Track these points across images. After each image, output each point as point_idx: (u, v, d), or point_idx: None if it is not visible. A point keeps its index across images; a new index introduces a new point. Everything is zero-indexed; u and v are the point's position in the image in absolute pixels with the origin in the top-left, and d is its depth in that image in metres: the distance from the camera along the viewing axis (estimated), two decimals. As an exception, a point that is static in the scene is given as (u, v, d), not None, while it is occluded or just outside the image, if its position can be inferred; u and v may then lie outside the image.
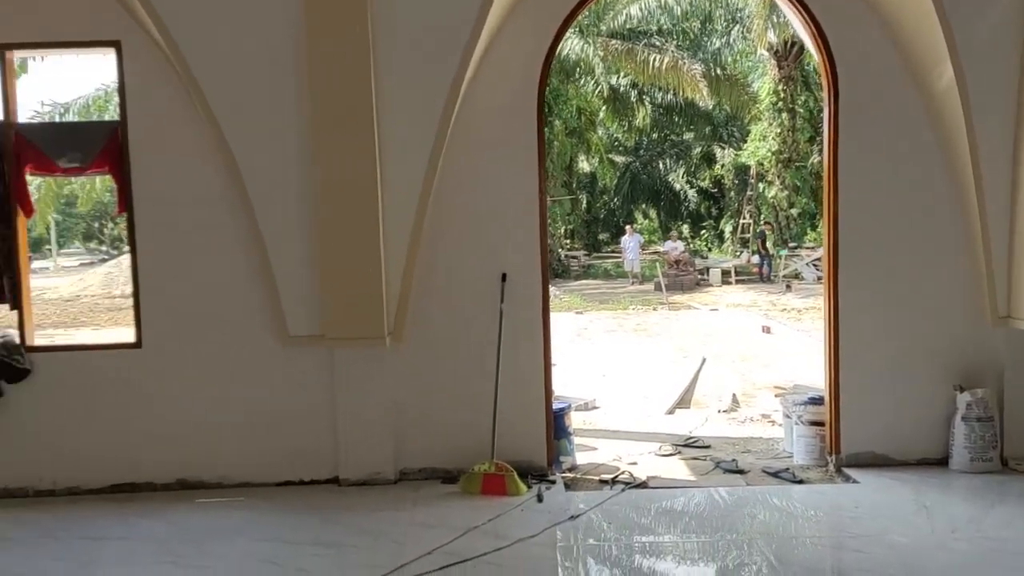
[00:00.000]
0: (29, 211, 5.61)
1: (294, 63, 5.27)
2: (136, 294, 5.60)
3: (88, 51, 5.59)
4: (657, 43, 23.34)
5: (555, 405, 5.95)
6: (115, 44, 5.44)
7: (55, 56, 13.50)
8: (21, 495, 5.54)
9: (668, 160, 35.33)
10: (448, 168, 5.52)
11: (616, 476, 5.72)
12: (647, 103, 28.54)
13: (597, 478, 5.73)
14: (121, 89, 5.51)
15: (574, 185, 30.36)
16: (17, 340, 5.54)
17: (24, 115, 5.37)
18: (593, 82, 24.83)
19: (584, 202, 34.30)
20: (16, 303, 5.53)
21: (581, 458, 6.15)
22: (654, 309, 18.15)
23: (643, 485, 5.59)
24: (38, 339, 5.95)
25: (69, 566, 4.44)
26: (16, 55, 5.59)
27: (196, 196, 5.54)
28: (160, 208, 5.54)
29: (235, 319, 5.60)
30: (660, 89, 26.13)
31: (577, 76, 24.26)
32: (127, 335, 5.69)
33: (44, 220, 25.26)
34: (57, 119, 17.61)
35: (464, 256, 5.69)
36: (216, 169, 5.47)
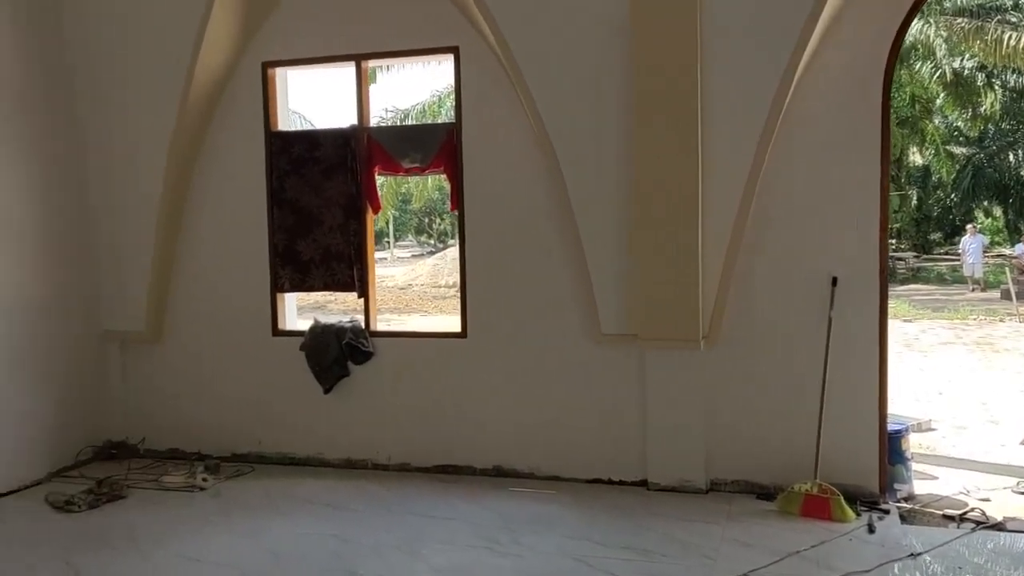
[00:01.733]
0: (377, 207, 6.15)
1: (618, 62, 5.24)
2: (463, 287, 5.92)
3: (428, 58, 5.96)
4: (1014, 19, 20.37)
5: (890, 426, 5.34)
6: (453, 50, 5.77)
7: (398, 66, 15.02)
8: (362, 466, 6.11)
9: (1020, 152, 30.81)
10: (774, 163, 5.17)
11: (964, 513, 4.99)
12: (997, 87, 25.10)
13: (940, 512, 5.03)
14: (457, 92, 5.83)
15: (903, 180, 27.61)
16: (363, 325, 6.12)
17: (372, 122, 5.86)
18: (932, 66, 22.31)
19: (914, 198, 31.07)
20: (363, 291, 6.10)
21: (919, 487, 5.46)
22: (1001, 320, 15.95)
23: (999, 527, 4.81)
24: (386, 324, 6.53)
25: (400, 539, 4.76)
26: (369, 64, 6.13)
27: (520, 195, 5.72)
28: (487, 206, 5.80)
29: (552, 315, 5.70)
30: (1014, 71, 22.82)
31: (912, 60, 21.96)
32: (452, 323, 6.03)
33: (385, 215, 28.26)
34: (413, 124, 19.73)
35: (789, 257, 5.29)
36: (539, 169, 5.61)
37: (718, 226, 5.21)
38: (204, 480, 5.75)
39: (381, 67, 15.31)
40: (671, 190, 5.19)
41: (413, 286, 25.18)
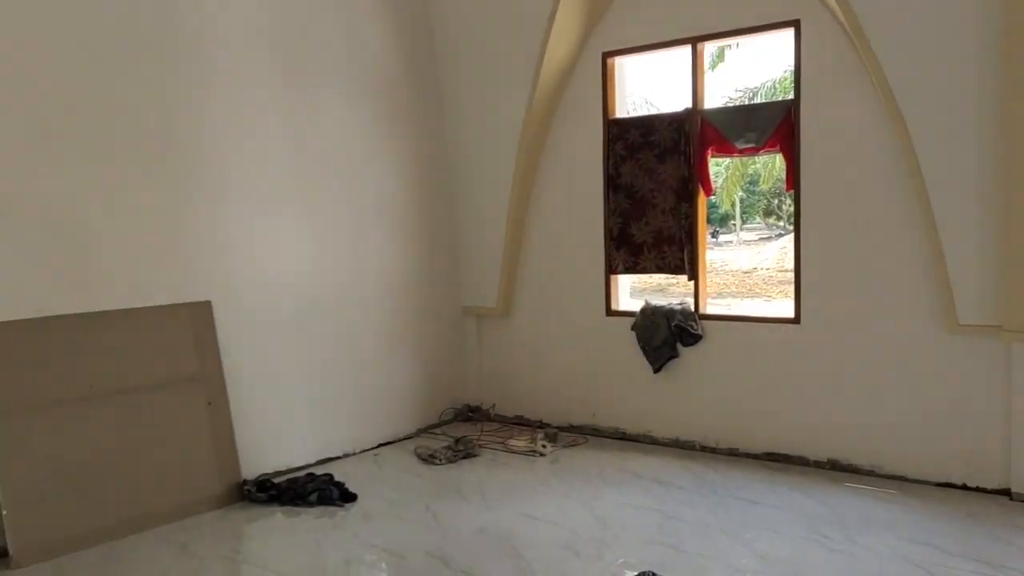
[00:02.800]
0: (709, 190, 6.13)
1: (986, 29, 4.68)
2: (797, 270, 5.70)
3: (767, 34, 5.79)
4: None
5: None
6: (794, 24, 5.55)
7: (746, 43, 14.63)
8: (689, 447, 6.18)
9: None
10: None
11: None
12: None
13: None
14: (797, 68, 5.59)
15: None
16: (692, 308, 6.16)
17: (719, 102, 5.84)
18: None
19: None
20: (693, 274, 6.14)
21: None
22: None
23: None
24: (717, 308, 6.52)
25: (724, 521, 4.76)
26: (706, 46, 6.11)
27: (863, 174, 5.36)
28: (827, 186, 5.51)
29: (897, 302, 5.27)
30: None
31: None
32: (788, 309, 5.83)
33: (730, 197, 27.72)
34: (746, 103, 19.41)
35: None
36: (886, 147, 5.22)
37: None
38: (544, 447, 6.22)
39: (730, 45, 15.08)
40: (1048, 161, 4.52)
41: (758, 270, 24.45)
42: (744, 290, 20.75)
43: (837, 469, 5.53)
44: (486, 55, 6.70)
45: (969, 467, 5.08)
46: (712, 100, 5.97)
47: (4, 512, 4.31)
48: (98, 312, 4.85)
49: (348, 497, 5.26)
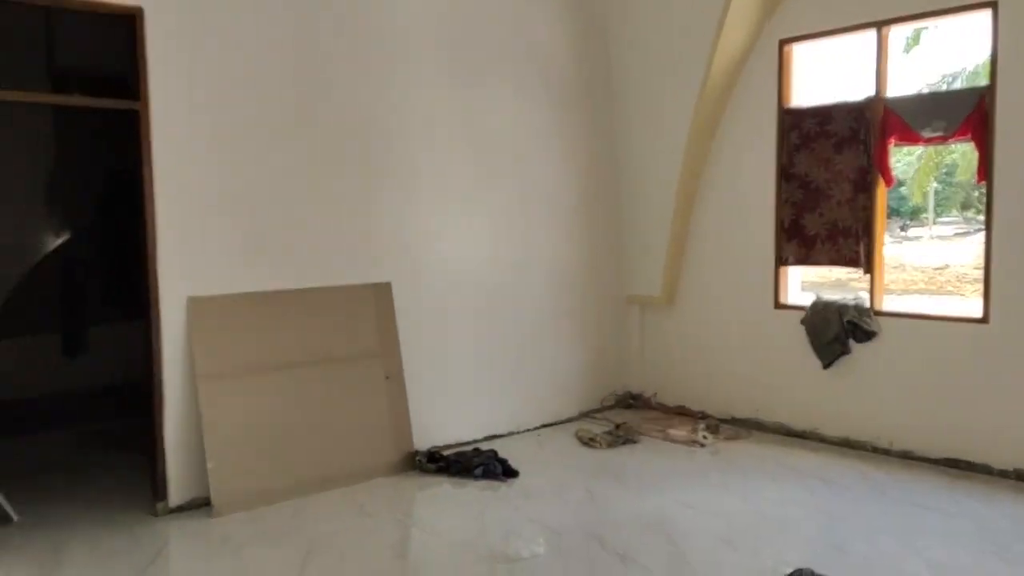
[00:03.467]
0: (889, 181, 5.85)
1: None
2: (987, 267, 5.34)
3: (958, 16, 5.45)
4: None
5: None
6: (991, 5, 5.20)
7: (943, 25, 13.59)
8: (859, 448, 5.95)
9: None
10: None
11: None
12: None
13: None
14: (993, 52, 5.24)
15: None
16: (867, 304, 5.92)
17: (912, 87, 5.57)
18: None
19: None
20: (869, 268, 5.89)
21: None
22: None
23: None
24: (895, 304, 6.22)
25: (893, 526, 4.59)
26: (891, 30, 5.82)
27: (1066, 162, 4.95)
28: (1021, 176, 5.14)
29: (1103, 303, 4.85)
30: None
31: None
32: (975, 309, 5.48)
33: (922, 189, 25.91)
34: (944, 89, 18.02)
35: None
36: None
37: None
38: (704, 438, 6.19)
39: (926, 27, 14.10)
40: None
41: (950, 266, 22.75)
42: (934, 287, 19.40)
43: (1023, 480, 5.18)
44: (659, 46, 6.70)
45: None
46: (904, 86, 5.68)
47: (209, 465, 4.85)
48: (295, 290, 5.33)
49: (511, 473, 5.49)
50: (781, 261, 6.41)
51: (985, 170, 5.31)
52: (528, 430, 6.58)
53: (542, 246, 6.71)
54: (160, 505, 4.84)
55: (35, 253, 7.63)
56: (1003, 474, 5.27)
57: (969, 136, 5.42)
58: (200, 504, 4.89)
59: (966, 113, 5.39)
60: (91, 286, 7.92)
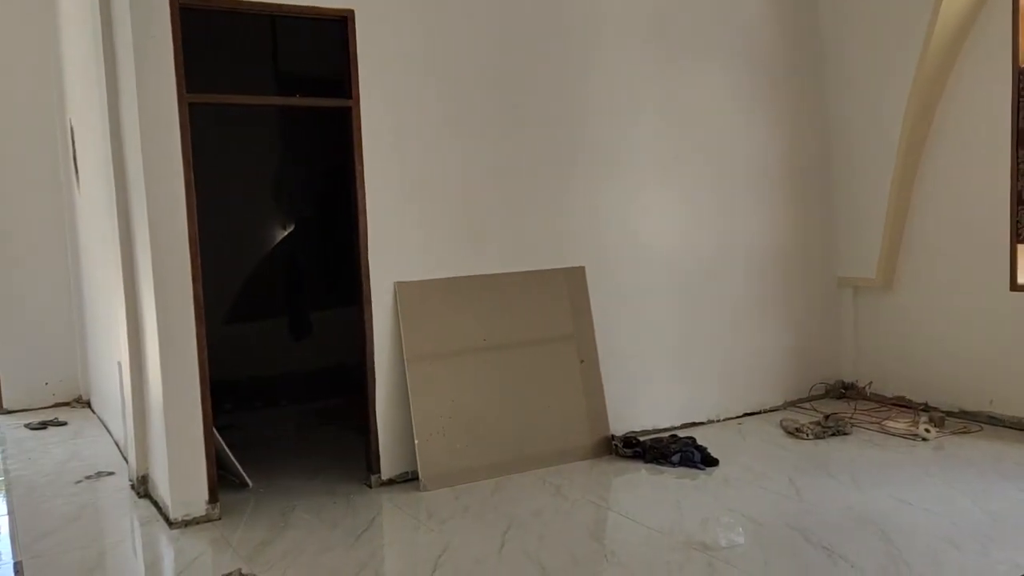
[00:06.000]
0: None
1: None
2: None
3: None
4: None
5: None
6: None
7: None
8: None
9: None
10: None
11: None
12: None
13: None
14: None
15: None
16: None
17: None
18: None
19: None
20: None
21: None
22: None
23: None
24: None
25: None
26: None
27: None
28: None
29: None
30: None
31: None
32: None
33: None
34: None
35: None
36: None
37: None
38: (927, 431, 5.71)
39: None
40: None
41: None
42: None
43: None
44: (876, 8, 6.23)
45: None
46: None
47: (417, 442, 5.11)
48: (493, 275, 5.49)
49: (710, 461, 5.35)
50: (1019, 237, 5.75)
51: None
52: (729, 419, 6.38)
53: (745, 225, 6.45)
54: (374, 478, 5.17)
55: (267, 244, 8.36)
56: None
57: None
58: (409, 479, 5.18)
59: None
60: (313, 274, 8.58)
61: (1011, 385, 5.81)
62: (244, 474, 5.25)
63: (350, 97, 5.06)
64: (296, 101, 5.72)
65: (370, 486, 5.15)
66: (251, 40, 6.88)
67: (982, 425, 5.89)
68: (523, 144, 5.57)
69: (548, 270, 5.67)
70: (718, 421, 6.32)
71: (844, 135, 6.63)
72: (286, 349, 8.20)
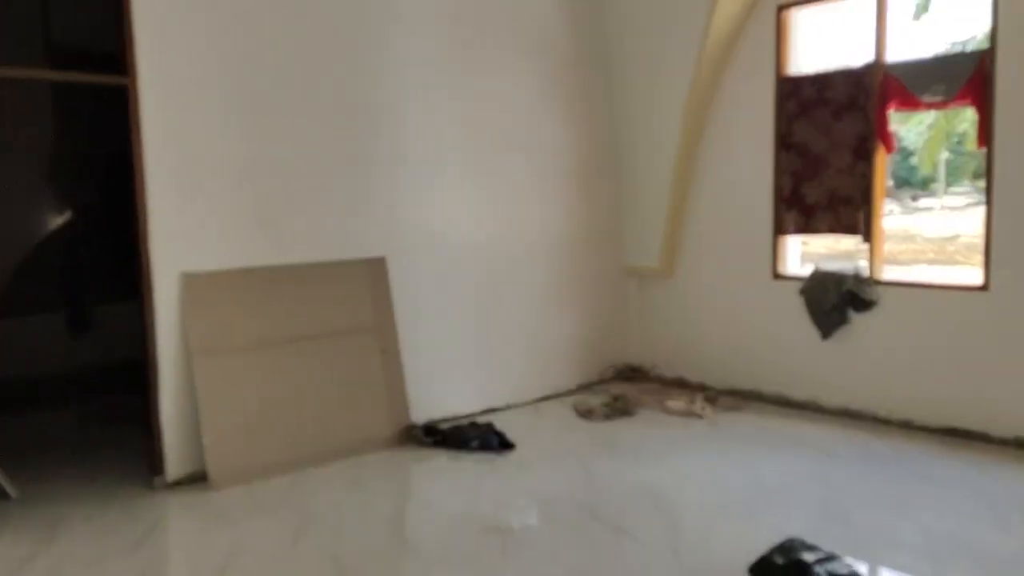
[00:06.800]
0: (890, 147, 5.76)
1: None
2: (987, 234, 5.28)
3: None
4: None
5: None
6: (989, -34, 5.09)
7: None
8: (858, 417, 5.92)
9: None
10: None
11: None
12: None
13: None
14: (994, 11, 5.13)
15: None
16: (866, 273, 5.86)
17: (919, 54, 5.49)
18: None
19: None
20: (869, 236, 5.83)
21: None
22: None
23: None
24: (901, 273, 6.16)
25: (890, 495, 4.57)
26: (889, -4, 5.72)
27: (1068, 125, 4.86)
28: (1022, 141, 5.05)
29: (1104, 269, 4.78)
30: None
31: None
32: (976, 276, 5.41)
33: (932, 159, 25.60)
34: (944, 53, 17.57)
35: None
36: (1096, 92, 4.69)
37: None
38: (702, 409, 6.17)
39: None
40: None
41: (960, 236, 22.55)
42: (944, 258, 19.23)
43: (1023, 448, 5.13)
44: (655, 14, 6.61)
45: None
46: (909, 52, 5.56)
47: (205, 440, 4.87)
48: (289, 265, 5.32)
49: (507, 445, 5.49)
50: (780, 230, 6.34)
51: (985, 135, 5.23)
52: (527, 403, 6.58)
53: (541, 218, 6.67)
54: (157, 480, 4.87)
55: (39, 231, 7.64)
56: (1002, 442, 5.24)
57: (969, 100, 5.34)
58: (198, 479, 4.92)
59: (966, 77, 5.30)
60: (97, 264, 7.94)
61: (772, 364, 6.41)
62: (6, 483, 4.78)
63: (127, 75, 4.71)
64: (64, 76, 5.28)
65: (153, 489, 4.84)
66: (22, 9, 6.25)
67: (749, 402, 6.46)
68: (319, 131, 5.43)
69: (348, 260, 5.57)
70: (517, 405, 6.51)
71: (630, 131, 7.00)
72: (65, 346, 7.55)
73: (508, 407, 6.46)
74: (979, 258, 5.36)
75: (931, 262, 17.98)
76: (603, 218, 7.13)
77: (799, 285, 6.16)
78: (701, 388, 6.76)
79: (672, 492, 4.70)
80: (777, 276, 6.36)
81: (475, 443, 5.47)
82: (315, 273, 5.42)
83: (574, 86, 6.83)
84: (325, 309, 5.44)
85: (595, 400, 6.49)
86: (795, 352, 6.25)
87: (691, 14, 6.26)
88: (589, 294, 7.06)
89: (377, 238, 5.71)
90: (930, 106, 5.65)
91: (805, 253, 6.88)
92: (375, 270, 5.68)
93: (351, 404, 5.44)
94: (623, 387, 6.97)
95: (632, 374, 7.32)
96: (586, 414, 6.18)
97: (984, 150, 5.29)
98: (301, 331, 5.32)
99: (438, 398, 5.99)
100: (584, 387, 7.00)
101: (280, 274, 5.28)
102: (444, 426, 5.75)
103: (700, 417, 6.10)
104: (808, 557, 3.66)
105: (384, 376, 5.62)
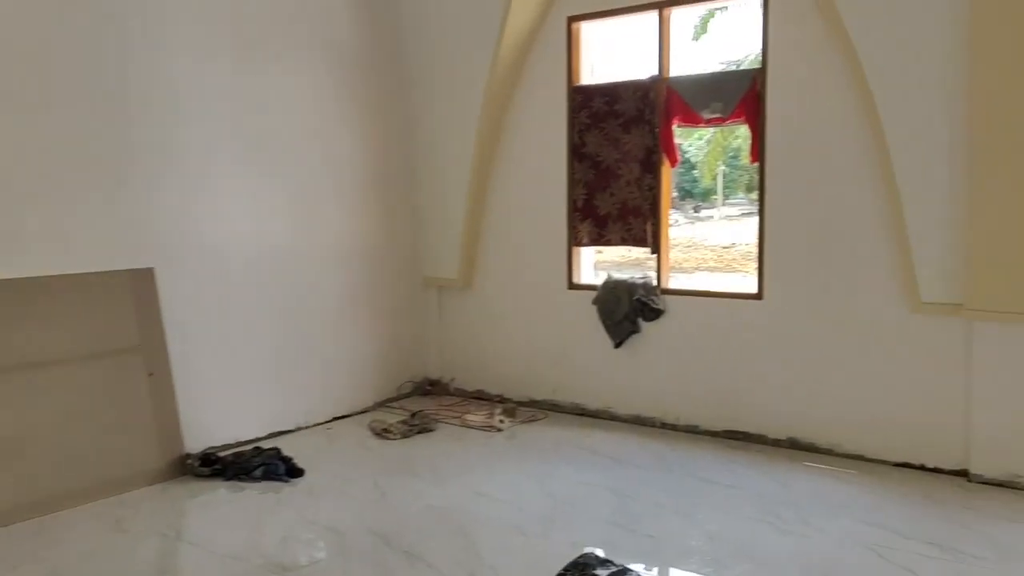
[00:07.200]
0: (674, 161, 5.96)
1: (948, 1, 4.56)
2: (760, 245, 5.56)
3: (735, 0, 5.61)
4: None
5: None
6: (760, -11, 5.37)
7: (734, 11, 14.38)
8: (650, 424, 6.06)
9: None
10: None
11: None
12: None
13: None
14: (764, 35, 5.41)
15: None
16: (655, 282, 6.02)
17: (693, 70, 5.67)
18: None
19: None
20: (656, 247, 5.99)
21: None
22: None
23: None
24: (685, 282, 6.38)
25: (678, 501, 4.66)
26: (672, 12, 5.90)
27: (829, 149, 5.21)
28: (791, 159, 5.37)
29: (861, 277, 5.15)
30: None
31: None
32: (752, 285, 5.69)
33: (712, 172, 27.54)
34: (721, 71, 18.89)
35: None
36: (852, 122, 5.06)
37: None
38: (501, 422, 6.09)
39: (714, 14, 14.83)
40: (1016, 134, 4.39)
41: (737, 245, 24.39)
42: (723, 265, 20.68)
43: (797, 448, 5.44)
44: (448, 20, 6.48)
45: (928, 447, 4.99)
46: (687, 70, 5.77)
47: (-72, 486, 4.14)
48: (33, 278, 4.64)
49: (295, 472, 5.12)
50: (575, 241, 6.40)
51: (758, 151, 5.51)
52: (318, 424, 6.20)
53: (333, 227, 6.32)
54: None
55: None
56: (777, 443, 5.52)
57: (743, 118, 5.61)
58: (-83, 533, 4.17)
59: (741, 95, 5.56)
60: None
61: (569, 374, 6.45)
62: None
63: None
64: None
65: None
66: None
67: (547, 413, 6.46)
68: (72, 125, 4.79)
69: (107, 272, 4.95)
70: (308, 427, 6.12)
71: (426, 138, 6.82)
72: None
73: (298, 429, 6.05)
74: (752, 265, 5.62)
75: (712, 270, 19.27)
76: (401, 227, 6.89)
77: (593, 295, 6.22)
78: (500, 400, 6.69)
79: (470, 511, 4.54)
80: (572, 286, 6.40)
81: (259, 471, 5.05)
82: (67, 286, 4.76)
83: (369, 92, 6.55)
84: (79, 327, 4.80)
85: (392, 417, 6.24)
86: (590, 362, 6.31)
87: (484, 22, 6.19)
88: (387, 307, 6.79)
89: (145, 247, 5.12)
90: (709, 122, 5.89)
91: (600, 261, 7.00)
92: (140, 283, 5.10)
93: (111, 435, 4.85)
94: (422, 402, 6.76)
95: (432, 388, 7.12)
96: (383, 433, 5.91)
97: (757, 165, 5.57)
98: (49, 354, 4.66)
99: (217, 423, 5.49)
100: (382, 404, 6.72)
101: (22, 289, 4.58)
102: (224, 454, 5.28)
103: (499, 430, 6.01)
104: (600, 573, 3.62)
105: (152, 401, 5.06)
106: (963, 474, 4.84)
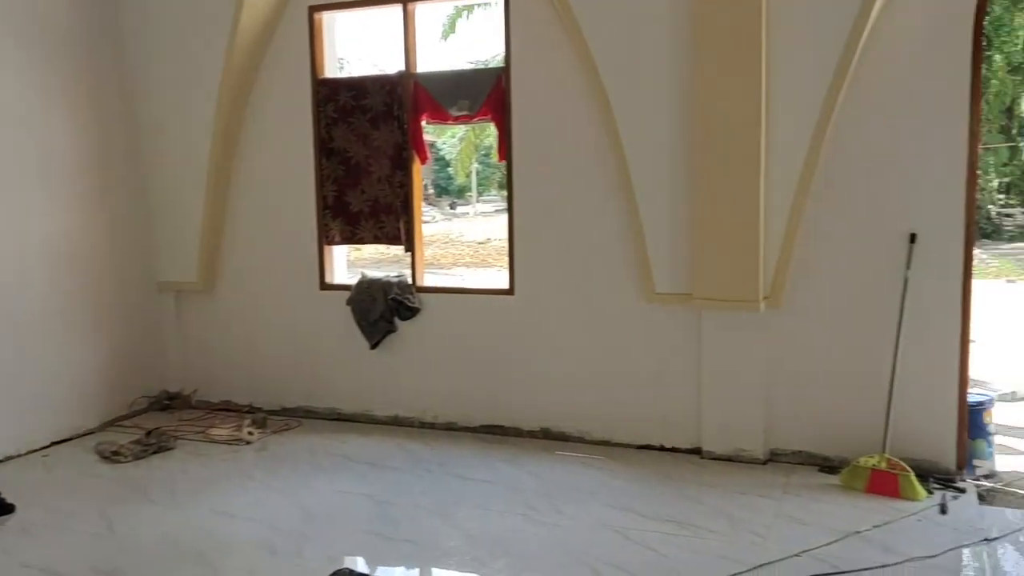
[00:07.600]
0: (424, 158, 5.90)
1: (673, 8, 4.88)
2: (511, 242, 5.66)
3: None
4: None
5: (972, 396, 4.86)
6: (502, -10, 5.44)
7: (481, 12, 14.70)
8: (408, 424, 5.98)
9: None
10: (848, 106, 4.68)
11: (1053, 495, 4.52)
12: None
13: (1024, 493, 4.58)
14: (506, 34, 5.49)
15: (1015, 131, 25.66)
16: (409, 280, 5.94)
17: (439, 66, 5.61)
18: (1053, 7, 20.47)
19: (1028, 151, 28.93)
20: (410, 245, 5.91)
21: (1002, 464, 4.98)
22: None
23: (1092, 512, 4.34)
24: (440, 279, 6.34)
25: (435, 502, 4.61)
26: (416, 7, 5.83)
27: (571, 145, 5.40)
28: (536, 156, 5.50)
29: (603, 272, 5.40)
30: None
31: (1030, 1, 20.22)
32: (504, 281, 5.78)
33: (465, 169, 28.08)
34: (467, 68, 19.30)
35: (860, 212, 4.81)
36: (592, 117, 5.27)
37: (783, 179, 4.80)
38: (250, 434, 5.72)
39: (466, 12, 15.08)
40: (732, 136, 4.79)
41: (491, 241, 25.06)
42: (478, 261, 21.16)
43: (549, 438, 5.60)
44: (177, 5, 5.98)
45: (666, 429, 5.33)
46: (435, 67, 5.74)
47: None
48: None
49: (4, 509, 4.46)
50: (326, 240, 6.15)
51: (505, 149, 5.60)
52: (33, 451, 5.47)
53: (43, 226, 5.59)
54: None
55: None
56: (531, 434, 5.66)
57: (490, 117, 5.67)
58: None
59: (487, 93, 5.61)
60: None
61: (323, 379, 6.20)
62: None
63: None
64: None
65: None
66: None
67: (301, 420, 6.16)
68: None
69: None
70: (19, 456, 5.38)
71: (156, 138, 6.24)
72: None
73: (8, 459, 5.30)
74: (507, 262, 5.71)
75: (468, 265, 19.67)
76: (128, 226, 6.25)
77: (347, 295, 6.02)
78: (250, 411, 6.28)
79: (214, 535, 4.19)
80: (325, 287, 6.15)
81: (-47, 513, 4.35)
82: None
83: (89, 77, 5.87)
84: None
85: (124, 438, 5.64)
86: (346, 365, 6.11)
87: (217, 9, 5.76)
88: (113, 314, 6.13)
89: None
90: (458, 120, 5.90)
91: (356, 259, 6.80)
92: None
93: None
94: (160, 419, 6.18)
95: (171, 403, 6.52)
96: (112, 456, 5.32)
97: (504, 163, 5.66)
98: None
99: (-99, 461, 4.66)
100: (111, 424, 6.07)
101: None
102: (-90, 496, 4.49)
103: (248, 443, 5.64)
104: (357, 587, 3.48)
105: None
106: (697, 452, 5.23)
